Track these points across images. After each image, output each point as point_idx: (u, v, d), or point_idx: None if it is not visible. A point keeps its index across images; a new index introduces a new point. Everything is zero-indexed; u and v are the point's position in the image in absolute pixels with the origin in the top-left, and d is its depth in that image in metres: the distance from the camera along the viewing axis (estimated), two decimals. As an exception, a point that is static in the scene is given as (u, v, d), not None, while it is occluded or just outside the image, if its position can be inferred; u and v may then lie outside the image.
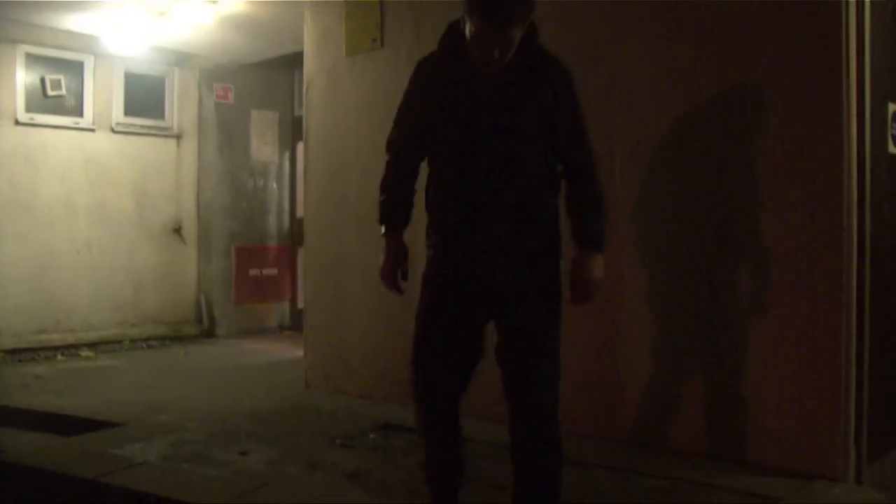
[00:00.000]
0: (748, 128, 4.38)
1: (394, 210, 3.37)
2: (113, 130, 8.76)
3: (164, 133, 9.21)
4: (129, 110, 8.90)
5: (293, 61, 7.93)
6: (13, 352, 7.89)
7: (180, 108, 9.33)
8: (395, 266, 3.38)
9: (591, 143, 3.20)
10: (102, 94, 8.67)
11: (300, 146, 8.40)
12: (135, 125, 8.93)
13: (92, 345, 8.41)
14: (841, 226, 4.09)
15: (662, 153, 4.69)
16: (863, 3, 4.17)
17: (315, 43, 6.56)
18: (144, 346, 8.74)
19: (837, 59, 4.09)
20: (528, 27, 3.00)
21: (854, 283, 4.12)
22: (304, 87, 6.69)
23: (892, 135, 4.61)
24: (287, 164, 10.07)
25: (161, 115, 9.22)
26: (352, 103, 6.25)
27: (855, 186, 4.12)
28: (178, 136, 9.32)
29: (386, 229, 3.37)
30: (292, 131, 9.83)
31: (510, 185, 3.04)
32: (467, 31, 2.98)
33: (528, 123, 3.06)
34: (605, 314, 4.83)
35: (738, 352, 4.40)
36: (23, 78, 8.13)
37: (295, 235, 9.65)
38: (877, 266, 4.30)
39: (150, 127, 9.08)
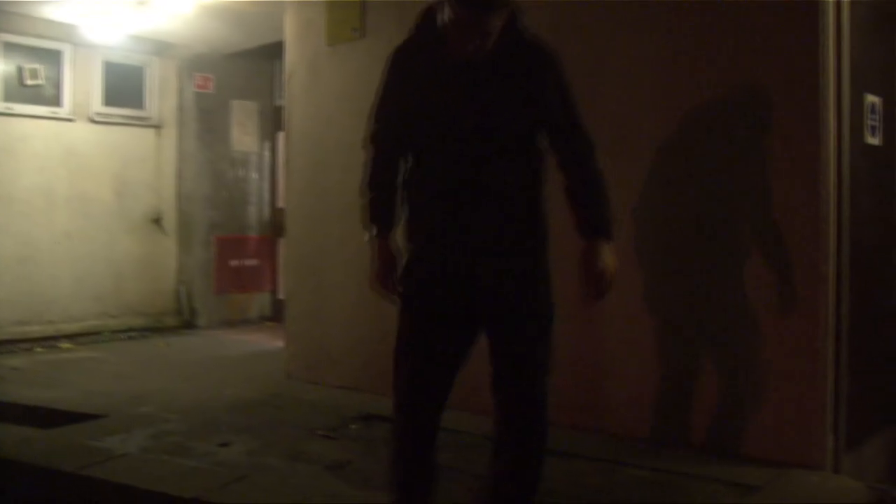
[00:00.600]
0: (729, 122, 4.40)
1: (382, 211, 3.19)
2: (92, 120, 8.70)
3: (143, 123, 9.16)
4: (109, 100, 8.84)
5: (274, 51, 7.88)
6: (-8, 343, 7.84)
7: (160, 97, 9.27)
8: (389, 271, 3.15)
9: (585, 127, 3.06)
10: (81, 84, 8.60)
11: (281, 136, 8.38)
12: (114, 115, 8.87)
13: (72, 336, 8.37)
14: (819, 217, 4.11)
15: (646, 149, 4.70)
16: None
17: (296, 32, 6.53)
18: (125, 337, 8.70)
19: (816, 52, 4.11)
20: (510, 12, 2.87)
21: (832, 275, 4.15)
22: (285, 77, 6.67)
23: (870, 125, 4.64)
24: (268, 154, 10.02)
25: (141, 105, 9.16)
26: (333, 93, 6.23)
27: (834, 177, 4.15)
28: (158, 126, 9.27)
29: (376, 232, 3.19)
30: (273, 121, 9.79)
31: (494, 177, 2.92)
32: (445, 17, 2.85)
33: (513, 112, 2.91)
34: (591, 306, 4.84)
35: (720, 345, 4.43)
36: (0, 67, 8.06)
37: (276, 226, 9.61)
38: (856, 258, 4.33)
39: (129, 117, 9.02)
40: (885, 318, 5.02)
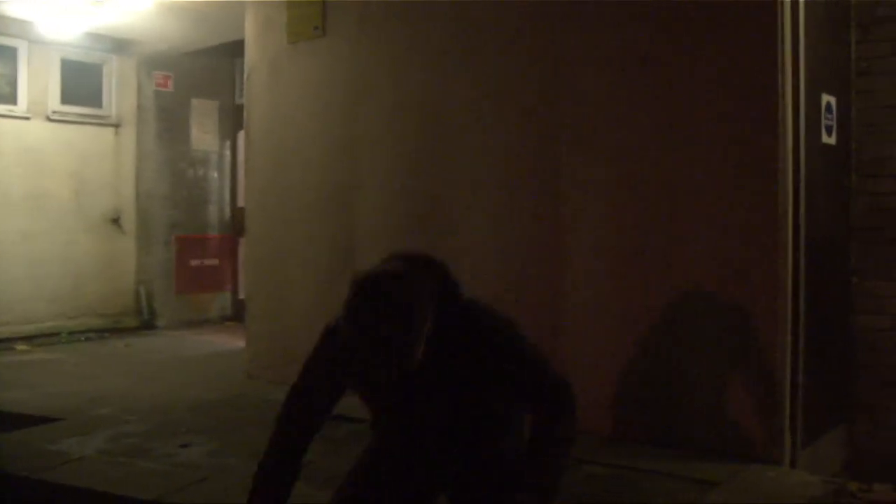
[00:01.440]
0: (687, 119, 4.43)
1: (265, 490, 2.79)
2: (49, 119, 8.59)
3: (102, 121, 9.06)
4: (66, 98, 8.74)
5: (234, 49, 7.83)
6: (-55, 346, 7.72)
7: (119, 96, 9.17)
8: None
9: (553, 381, 2.65)
10: (37, 82, 8.49)
11: (241, 135, 8.32)
12: (72, 113, 8.77)
13: (28, 338, 8.26)
14: (777, 216, 4.16)
15: (604, 145, 4.72)
16: (797, 0, 4.25)
17: (256, 30, 6.49)
18: (83, 338, 8.60)
19: (774, 51, 4.16)
20: (438, 310, 2.49)
21: (790, 273, 4.20)
22: (245, 76, 6.62)
23: (826, 125, 4.70)
24: (228, 153, 9.96)
25: (99, 104, 9.06)
26: (294, 92, 6.21)
27: (791, 176, 4.20)
28: (117, 125, 9.17)
29: None
30: (233, 120, 9.73)
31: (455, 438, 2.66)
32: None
33: (469, 401, 2.62)
34: (549, 302, 4.87)
35: (681, 341, 4.46)
36: (-47, 64, 7.95)
37: (236, 225, 9.56)
38: (812, 254, 4.38)
39: (87, 115, 8.92)
40: (840, 317, 5.10)
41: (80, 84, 8.88)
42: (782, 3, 4.16)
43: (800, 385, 4.28)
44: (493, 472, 2.66)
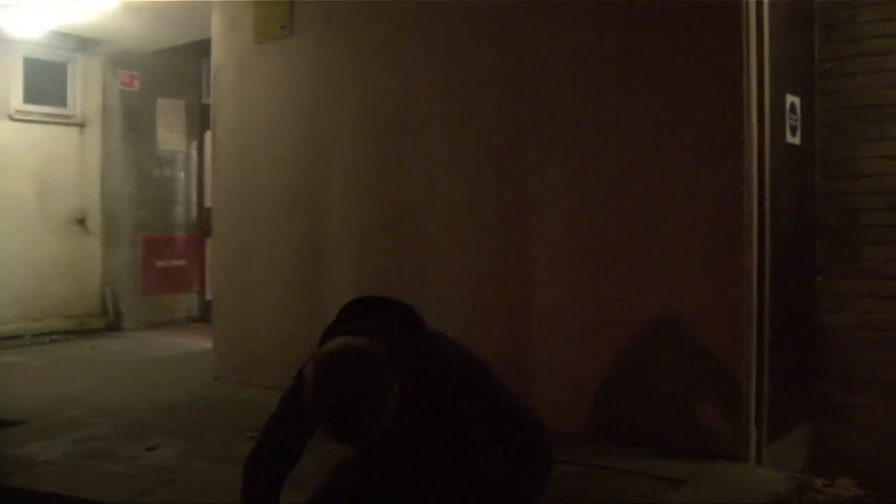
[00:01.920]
0: (652, 120, 4.45)
1: None
2: (12, 118, 8.49)
3: (66, 121, 8.97)
4: (30, 97, 8.64)
5: (201, 48, 7.78)
6: None
7: (84, 95, 9.09)
8: None
9: (527, 416, 2.63)
10: (0, 81, 8.39)
11: (208, 135, 8.27)
12: (36, 113, 8.67)
13: (-10, 340, 8.16)
14: (742, 216, 4.19)
15: (569, 141, 4.74)
16: (762, 1, 4.29)
17: (223, 29, 6.46)
18: (48, 340, 8.50)
19: (739, 51, 4.19)
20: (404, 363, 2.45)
21: (755, 271, 4.23)
22: (212, 75, 6.59)
23: (790, 125, 4.75)
24: (195, 153, 9.90)
25: (63, 103, 8.97)
26: (261, 91, 6.18)
27: (756, 175, 4.23)
28: (82, 125, 9.09)
29: None
30: (200, 120, 9.67)
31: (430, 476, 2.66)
32: None
33: (431, 445, 2.64)
34: (515, 299, 4.89)
35: (647, 341, 4.49)
36: (-86, 63, 7.83)
37: (203, 225, 9.50)
38: (777, 254, 4.43)
39: (51, 115, 8.83)
40: (805, 315, 5.15)
41: (45, 83, 8.78)
42: (747, 4, 4.19)
43: (765, 383, 4.33)
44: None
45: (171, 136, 9.68)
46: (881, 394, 5.10)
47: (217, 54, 6.50)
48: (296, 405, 2.63)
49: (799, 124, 4.85)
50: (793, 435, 4.90)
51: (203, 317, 9.44)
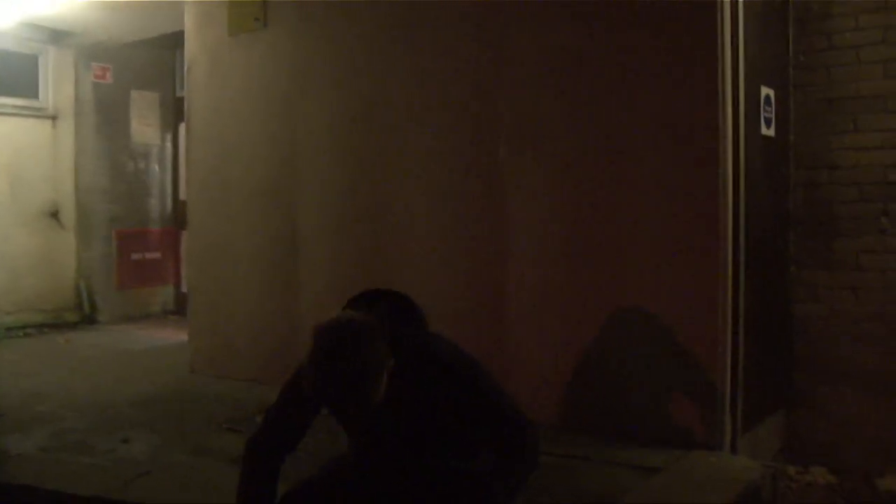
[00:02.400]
0: (627, 113, 4.47)
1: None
2: (-18, 111, 8.41)
3: (38, 114, 8.88)
4: (1, 89, 8.53)
5: (175, 40, 7.72)
6: None
7: (56, 88, 9.00)
8: None
9: (518, 417, 2.68)
10: (-30, 73, 8.31)
11: (183, 128, 8.21)
12: (7, 105, 8.58)
13: (-37, 335, 8.09)
14: (717, 208, 4.22)
15: (543, 141, 4.76)
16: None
17: (196, 21, 6.42)
18: (21, 334, 8.43)
19: (714, 44, 4.21)
20: (398, 343, 2.56)
21: (730, 262, 4.27)
22: (186, 68, 6.55)
23: (765, 117, 4.78)
24: (169, 145, 9.83)
25: (35, 95, 8.89)
26: (235, 84, 6.16)
27: (730, 166, 4.26)
28: (54, 118, 9.00)
29: None
30: (174, 112, 9.60)
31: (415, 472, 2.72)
32: None
33: (430, 434, 2.69)
34: (491, 292, 4.90)
35: (622, 332, 4.52)
36: None
37: (178, 218, 9.44)
38: (751, 245, 4.46)
39: (23, 107, 8.74)
40: (779, 306, 5.19)
41: (16, 75, 8.68)
42: (722, -2, 4.22)
43: (739, 373, 4.36)
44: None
45: (145, 128, 9.61)
46: (854, 383, 5.15)
47: (190, 47, 6.46)
48: (295, 393, 2.71)
49: (773, 116, 4.88)
50: (767, 424, 4.94)
51: (179, 310, 9.39)
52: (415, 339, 2.68)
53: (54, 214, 8.99)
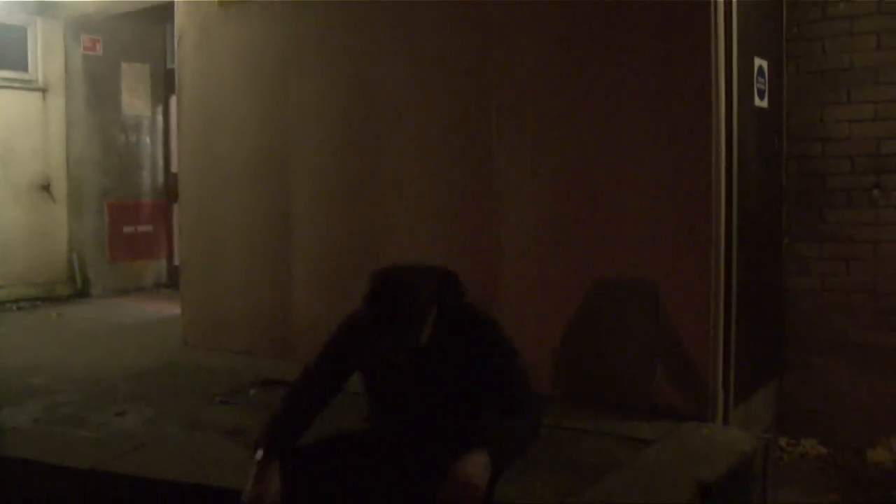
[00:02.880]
0: (619, 85, 4.45)
1: (282, 431, 2.95)
2: (-29, 83, 8.34)
3: (28, 86, 8.81)
4: (-12, 62, 8.48)
5: (165, 12, 7.65)
6: None
7: (45, 60, 8.91)
8: (261, 499, 2.82)
9: (527, 388, 2.87)
10: (-42, 45, 8.23)
11: (174, 100, 8.17)
12: (-5, 77, 8.52)
13: (-45, 308, 8.07)
14: (709, 180, 4.21)
15: (535, 114, 4.74)
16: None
17: (186, -8, 6.37)
18: (14, 307, 8.41)
19: (707, 14, 4.19)
20: (442, 301, 2.82)
21: (722, 235, 4.27)
22: (176, 40, 6.50)
23: (758, 89, 4.77)
24: (160, 118, 9.77)
25: (24, 68, 8.80)
26: (225, 56, 6.11)
27: (723, 138, 4.25)
28: (44, 90, 8.93)
29: (264, 452, 2.85)
30: (165, 84, 9.53)
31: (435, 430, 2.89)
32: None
33: (450, 392, 2.87)
34: (483, 263, 4.89)
35: (615, 302, 4.52)
36: None
37: (170, 191, 9.40)
38: (743, 217, 4.46)
39: (12, 80, 8.65)
40: (771, 278, 5.20)
41: (4, 47, 8.59)
42: (715, -32, 4.19)
43: (732, 345, 4.37)
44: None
45: (135, 101, 9.55)
46: (845, 356, 5.19)
47: (180, 18, 6.41)
48: (334, 348, 3.03)
49: (766, 88, 4.87)
50: (758, 396, 4.97)
51: (171, 283, 9.37)
52: (458, 301, 2.92)
53: (45, 188, 8.94)
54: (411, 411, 2.93)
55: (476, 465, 2.59)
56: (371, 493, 2.94)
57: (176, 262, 8.93)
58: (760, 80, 4.79)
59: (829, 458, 5.01)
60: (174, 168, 8.99)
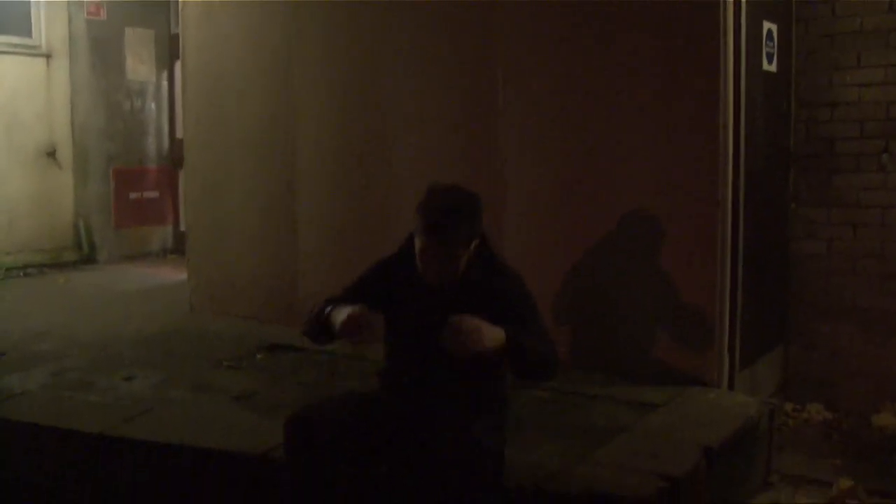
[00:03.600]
0: (628, 46, 4.42)
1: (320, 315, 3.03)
2: (-26, 49, 8.29)
3: (31, 52, 8.75)
4: (-9, 27, 8.43)
5: (168, -24, 7.63)
6: None
7: (48, 25, 8.85)
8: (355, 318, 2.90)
9: (549, 343, 2.95)
10: (-40, 10, 8.18)
11: (178, 65, 8.13)
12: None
13: (-38, 275, 8.08)
14: (717, 144, 4.19)
15: (541, 74, 4.71)
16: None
17: (190, -45, 6.32)
18: (21, 274, 8.41)
19: (715, -24, 4.15)
20: (477, 244, 2.97)
21: (729, 199, 4.25)
22: (180, 4, 6.46)
23: (767, 52, 4.73)
24: (165, 83, 9.73)
25: (28, 33, 8.74)
26: (230, 21, 6.06)
27: (731, 102, 4.22)
28: (48, 56, 8.88)
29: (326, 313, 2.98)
30: (169, 49, 9.49)
31: (448, 383, 2.95)
32: (416, 245, 2.93)
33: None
34: (489, 234, 4.88)
35: (620, 267, 4.52)
36: None
37: (175, 157, 9.39)
38: (751, 181, 4.44)
39: (15, 45, 8.59)
40: (778, 242, 5.19)
41: (6, 12, 8.54)
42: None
43: (738, 310, 4.38)
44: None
45: (140, 66, 9.50)
46: (851, 320, 5.18)
47: (185, -18, 6.37)
48: (362, 281, 3.15)
49: (776, 51, 4.83)
50: (764, 361, 4.97)
51: (177, 249, 9.38)
52: (490, 253, 3.06)
53: (51, 154, 8.92)
54: (427, 359, 2.94)
55: (488, 326, 2.71)
56: (380, 449, 3.00)
57: (182, 227, 8.94)
58: (769, 43, 4.75)
59: (834, 423, 5.02)
60: (179, 134, 8.96)
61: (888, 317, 5.07)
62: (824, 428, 4.97)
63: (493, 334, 2.71)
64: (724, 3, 4.15)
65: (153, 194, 9.69)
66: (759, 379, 4.84)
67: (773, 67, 4.81)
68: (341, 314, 2.88)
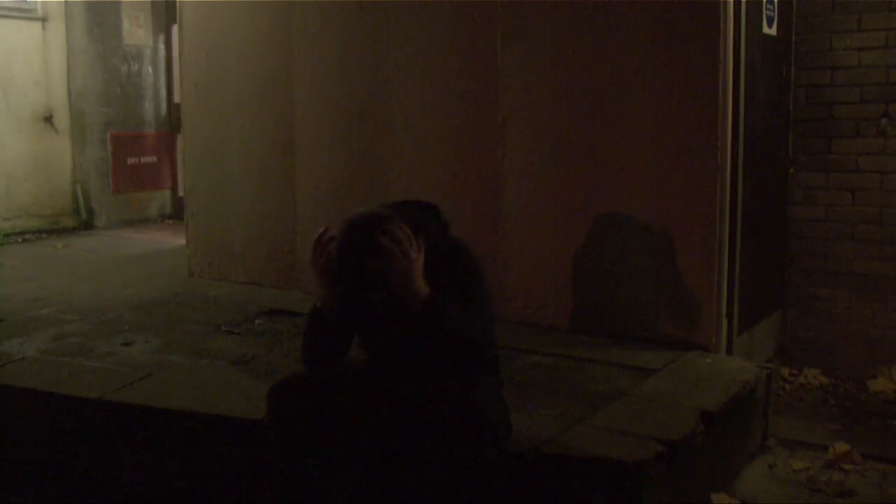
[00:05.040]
0: (627, 8, 4.38)
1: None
2: (-32, 12, 8.23)
3: (27, 15, 8.69)
4: (-14, -9, 8.36)
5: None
6: None
7: (44, -12, 8.80)
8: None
9: (483, 325, 2.88)
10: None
11: (175, 29, 8.07)
12: (-6, 6, 8.41)
13: (-40, 241, 8.08)
14: (717, 107, 4.17)
15: (539, 35, 4.67)
16: None
17: (186, -83, 6.25)
18: (20, 240, 8.43)
19: (715, -61, 4.11)
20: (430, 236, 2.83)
21: (728, 163, 4.24)
22: (176, -34, 6.40)
23: (767, 15, 4.70)
24: (162, 47, 9.68)
25: (23, -4, 8.70)
26: (227, -18, 6.02)
27: (731, 66, 4.20)
28: (44, 19, 8.81)
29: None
30: (166, 13, 9.43)
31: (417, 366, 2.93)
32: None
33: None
34: (488, 199, 4.88)
35: (619, 230, 4.51)
36: None
37: (173, 121, 9.36)
38: (750, 145, 4.43)
39: (10, 8, 8.53)
40: (777, 206, 5.19)
41: (2, -25, 8.49)
42: None
43: (736, 274, 4.38)
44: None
45: (137, 30, 9.44)
46: (848, 285, 5.19)
47: (180, -57, 6.31)
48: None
49: (776, 15, 4.80)
50: (761, 326, 4.99)
51: (176, 214, 9.40)
52: (436, 232, 2.94)
53: (48, 119, 8.89)
54: (393, 346, 2.97)
55: (418, 278, 2.70)
56: (370, 419, 2.99)
57: (180, 192, 8.93)
58: (769, 6, 4.71)
59: (831, 388, 5.05)
60: (177, 98, 8.92)
61: (886, 282, 5.08)
62: (821, 392, 5.00)
63: (421, 278, 2.70)
64: (724, -34, 4.12)
65: (151, 159, 9.67)
66: (756, 343, 4.86)
67: (772, 31, 4.78)
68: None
